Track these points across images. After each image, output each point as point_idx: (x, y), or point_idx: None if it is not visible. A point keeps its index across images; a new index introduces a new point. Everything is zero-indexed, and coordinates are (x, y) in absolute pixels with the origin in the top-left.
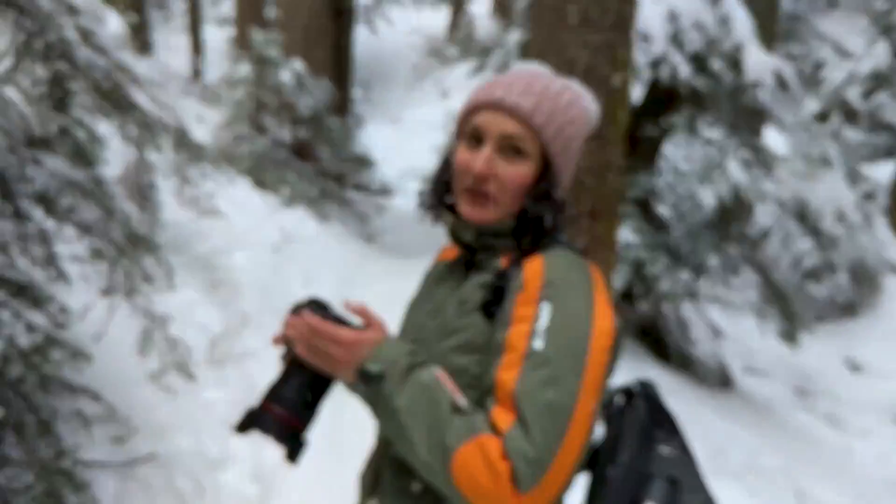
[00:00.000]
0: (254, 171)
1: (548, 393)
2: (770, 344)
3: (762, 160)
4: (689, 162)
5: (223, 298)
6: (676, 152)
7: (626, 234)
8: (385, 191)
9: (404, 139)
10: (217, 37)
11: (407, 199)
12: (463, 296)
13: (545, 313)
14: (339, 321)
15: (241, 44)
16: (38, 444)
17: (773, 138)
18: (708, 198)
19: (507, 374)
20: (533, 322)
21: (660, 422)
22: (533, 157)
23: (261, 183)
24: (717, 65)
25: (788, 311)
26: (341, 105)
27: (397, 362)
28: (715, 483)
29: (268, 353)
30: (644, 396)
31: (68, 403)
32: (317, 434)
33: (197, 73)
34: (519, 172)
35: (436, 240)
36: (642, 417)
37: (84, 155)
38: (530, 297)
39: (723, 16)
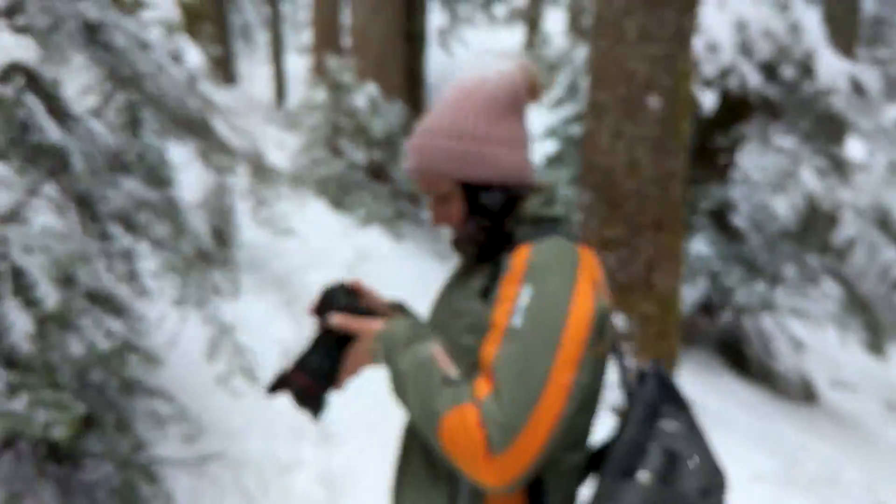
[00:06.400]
0: (331, 193)
1: (519, 363)
2: (857, 357)
3: (838, 168)
4: (762, 172)
5: (297, 314)
6: (750, 162)
7: (701, 245)
8: None
9: None
10: (298, 65)
11: None
12: (469, 282)
13: (526, 294)
14: (359, 311)
15: (319, 71)
16: (116, 440)
17: (854, 146)
18: (782, 207)
19: (490, 348)
20: (514, 301)
21: (668, 399)
22: (451, 187)
23: (338, 204)
24: (788, 73)
25: (873, 321)
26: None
27: (398, 339)
28: (786, 494)
29: None
30: (655, 376)
31: (144, 404)
32: (385, 442)
33: (279, 101)
34: (451, 212)
35: None
36: (650, 395)
37: (157, 177)
38: (515, 278)
39: (793, 22)
